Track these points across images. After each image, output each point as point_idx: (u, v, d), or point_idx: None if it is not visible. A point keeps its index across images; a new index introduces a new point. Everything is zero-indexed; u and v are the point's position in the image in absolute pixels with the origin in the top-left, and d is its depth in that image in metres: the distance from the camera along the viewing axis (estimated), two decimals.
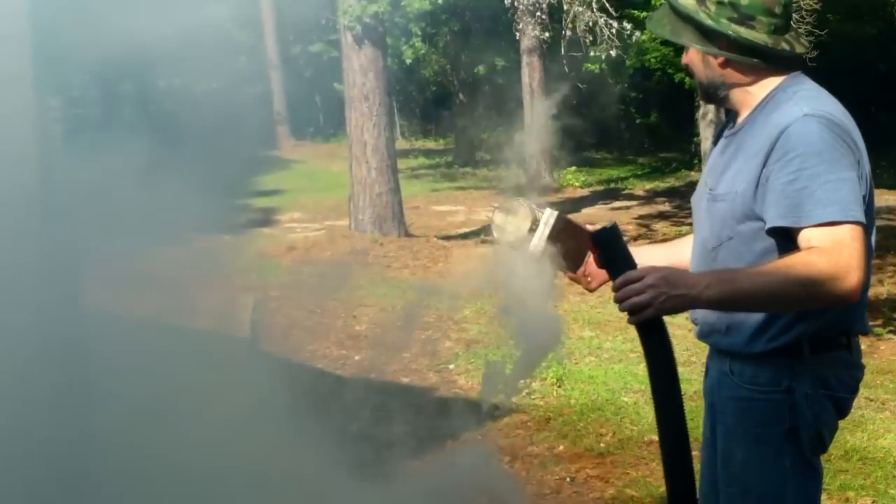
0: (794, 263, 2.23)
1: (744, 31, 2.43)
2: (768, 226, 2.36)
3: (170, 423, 4.66)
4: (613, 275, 2.30)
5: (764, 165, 2.36)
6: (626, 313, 2.31)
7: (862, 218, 2.29)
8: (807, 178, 2.28)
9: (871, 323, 8.62)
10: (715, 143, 2.72)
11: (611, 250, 2.32)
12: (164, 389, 5.02)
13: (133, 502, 3.88)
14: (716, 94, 2.57)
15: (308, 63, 32.88)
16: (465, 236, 14.34)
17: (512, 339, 2.80)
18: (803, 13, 8.71)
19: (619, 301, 2.27)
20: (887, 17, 10.66)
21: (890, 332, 8.77)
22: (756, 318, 2.44)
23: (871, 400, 6.33)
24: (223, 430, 4.74)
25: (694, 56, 2.55)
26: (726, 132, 2.63)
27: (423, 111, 35.66)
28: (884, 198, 15.76)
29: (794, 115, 2.37)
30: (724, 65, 2.51)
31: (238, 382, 5.55)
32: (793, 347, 2.42)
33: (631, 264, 2.31)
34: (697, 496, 2.46)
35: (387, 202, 13.21)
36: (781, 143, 2.34)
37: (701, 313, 2.58)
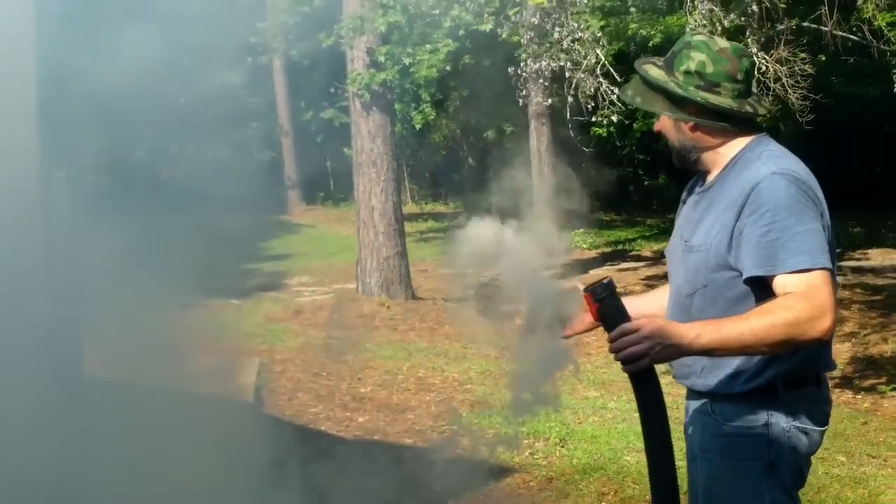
0: (776, 308, 2.39)
1: (711, 97, 2.60)
2: (745, 275, 2.52)
3: (171, 487, 4.70)
4: (609, 327, 2.43)
5: (737, 219, 2.53)
6: (620, 363, 2.45)
7: (829, 264, 2.47)
8: (778, 230, 2.45)
9: (876, 381, 8.69)
10: (685, 200, 2.86)
11: (607, 305, 2.45)
12: (166, 455, 5.07)
13: None
14: (687, 157, 2.73)
15: (319, 129, 33.21)
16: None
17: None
18: (798, 78, 8.81)
19: (615, 351, 2.41)
20: (890, 79, 10.95)
21: (893, 389, 8.76)
22: (732, 360, 2.59)
23: (874, 457, 6.32)
24: (224, 492, 4.78)
25: (666, 122, 2.71)
26: (698, 189, 2.79)
27: (433, 175, 35.87)
28: (889, 256, 15.78)
29: (763, 173, 2.54)
30: (694, 129, 2.67)
31: (241, 445, 5.59)
32: (769, 386, 2.59)
33: (626, 317, 2.44)
34: None
35: (394, 266, 13.30)
36: (753, 198, 2.51)
37: None
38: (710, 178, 2.72)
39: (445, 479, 5.89)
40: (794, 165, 2.60)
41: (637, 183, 29.22)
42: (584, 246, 21.45)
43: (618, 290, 2.47)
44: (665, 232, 23.19)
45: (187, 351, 9.19)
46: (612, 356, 2.67)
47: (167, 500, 4.59)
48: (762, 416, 2.60)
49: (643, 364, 2.40)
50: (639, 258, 19.39)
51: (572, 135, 14.67)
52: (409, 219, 21.42)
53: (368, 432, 6.97)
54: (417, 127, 25.71)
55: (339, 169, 34.03)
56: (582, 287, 2.69)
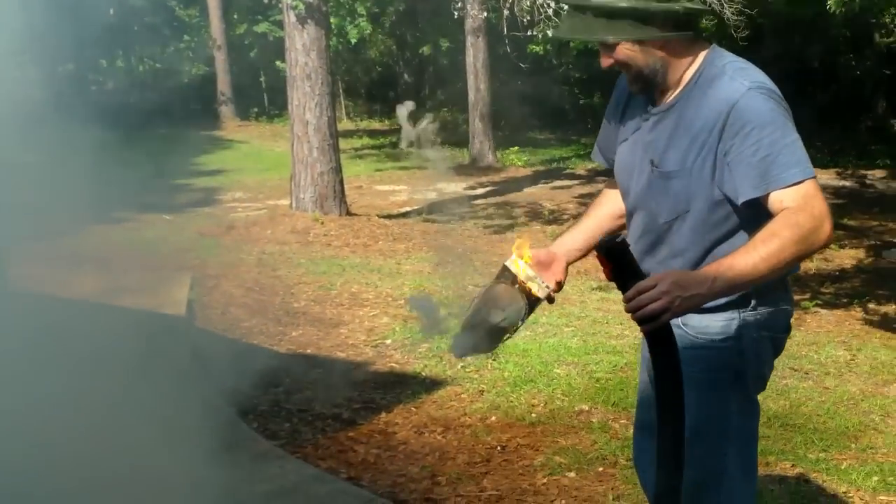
0: (779, 229, 2.36)
1: (685, 2, 2.49)
2: (742, 199, 2.47)
3: (101, 397, 4.68)
4: (625, 287, 2.34)
5: (720, 141, 2.48)
6: (638, 322, 2.35)
7: (813, 171, 2.46)
8: (766, 147, 2.42)
9: (799, 297, 8.90)
10: (620, 113, 2.81)
11: (622, 264, 2.37)
12: (98, 366, 5.05)
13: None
14: (654, 80, 2.60)
15: (253, 43, 32.64)
16: (406, 215, 14.40)
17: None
18: None
19: (633, 310, 2.31)
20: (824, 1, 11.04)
21: (816, 305, 9.00)
22: None
23: (796, 370, 6.51)
24: (155, 405, 4.79)
25: (628, 49, 2.55)
26: (653, 109, 2.67)
27: (369, 92, 35.56)
28: (819, 177, 16.05)
29: (739, 89, 2.48)
30: (662, 47, 2.55)
31: (173, 357, 5.59)
32: (742, 298, 2.57)
33: (641, 275, 2.37)
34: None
35: (328, 181, 13.21)
36: (733, 119, 2.45)
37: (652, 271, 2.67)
38: (669, 98, 2.63)
39: (377, 391, 5.97)
40: (762, 77, 2.54)
41: (572, 101, 29.23)
42: (519, 164, 21.50)
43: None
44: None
45: (118, 265, 9.11)
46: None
47: (98, 412, 4.58)
48: (733, 328, 2.60)
49: (665, 319, 2.30)
50: (573, 176, 19.49)
51: (509, 51, 14.60)
52: (344, 135, 21.28)
53: (301, 346, 6.98)
54: (353, 42, 25.37)
55: (273, 85, 33.63)
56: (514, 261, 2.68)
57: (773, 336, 2.67)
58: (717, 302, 2.51)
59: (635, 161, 2.71)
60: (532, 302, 2.69)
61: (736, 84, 2.49)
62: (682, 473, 2.46)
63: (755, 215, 2.46)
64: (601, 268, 2.41)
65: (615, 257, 2.37)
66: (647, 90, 2.65)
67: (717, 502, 2.70)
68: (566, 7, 2.65)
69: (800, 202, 2.38)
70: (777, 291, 2.64)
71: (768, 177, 2.41)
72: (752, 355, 2.64)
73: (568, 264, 2.83)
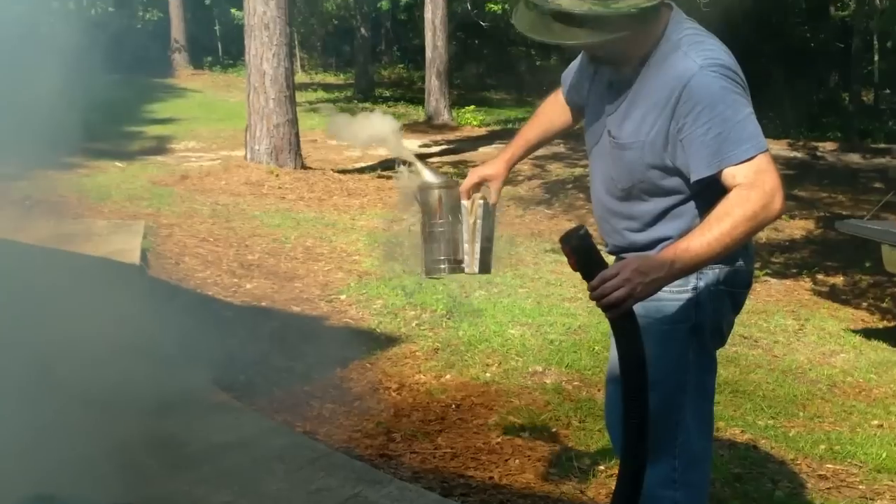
0: (731, 207, 2.41)
1: (640, 2, 2.45)
2: (695, 177, 2.51)
3: (58, 346, 4.63)
4: (589, 276, 2.42)
5: (671, 119, 2.52)
6: (603, 310, 2.43)
7: (766, 145, 2.49)
8: (718, 124, 2.45)
9: None
10: (591, 77, 2.83)
11: (586, 255, 2.43)
12: (51, 313, 4.98)
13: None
14: (615, 60, 2.64)
15: None
16: (361, 171, 14.33)
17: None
18: None
19: (598, 298, 2.39)
20: None
21: (766, 274, 9.12)
22: (665, 227, 2.65)
23: (745, 337, 6.61)
24: (111, 354, 4.74)
25: (587, 47, 2.61)
26: (613, 79, 2.70)
27: (325, 45, 35.21)
28: (771, 147, 16.18)
29: (691, 68, 2.50)
30: (623, 38, 2.51)
31: (127, 307, 5.53)
32: None
33: (604, 263, 2.44)
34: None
35: (284, 133, 13.10)
36: (685, 97, 2.48)
37: (613, 235, 2.78)
38: (628, 70, 2.63)
39: (332, 346, 5.96)
40: (717, 52, 2.55)
41: (529, 63, 29.20)
42: (475, 123, 21.47)
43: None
44: None
45: (69, 211, 8.99)
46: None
47: (50, 361, 4.53)
48: (692, 280, 2.65)
49: (628, 306, 2.39)
50: None
51: (469, 8, 14.54)
52: (300, 88, 21.04)
53: (256, 298, 6.95)
54: None
55: (227, 33, 33.17)
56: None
57: (731, 291, 2.72)
58: None
59: (597, 128, 2.78)
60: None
61: (689, 62, 2.51)
62: (645, 457, 2.51)
63: (707, 184, 2.52)
64: (565, 257, 2.47)
65: (579, 249, 2.43)
66: (614, 66, 2.68)
67: (672, 455, 2.76)
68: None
69: (751, 178, 2.43)
70: (737, 249, 2.68)
71: (720, 154, 2.45)
72: (710, 308, 2.69)
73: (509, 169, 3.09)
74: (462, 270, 2.92)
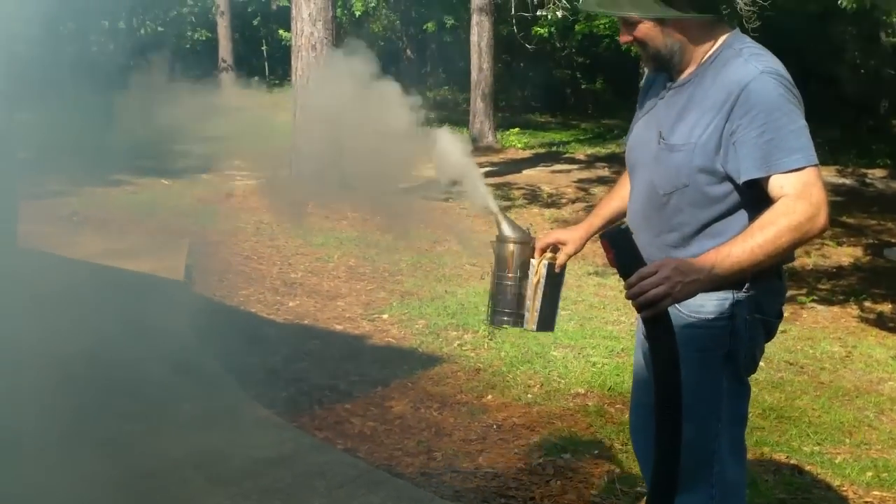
0: (776, 217, 2.42)
1: None
2: (743, 178, 2.51)
3: (100, 360, 4.69)
4: (627, 272, 2.41)
5: (727, 120, 2.51)
6: (638, 308, 2.43)
7: (816, 159, 2.49)
8: (772, 130, 2.46)
9: (795, 292, 8.93)
10: (645, 94, 2.84)
11: (624, 250, 2.44)
12: (98, 327, 5.05)
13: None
14: (671, 61, 2.65)
15: (256, 11, 32.50)
16: (405, 191, 14.36)
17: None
18: None
19: (634, 296, 2.39)
20: None
21: (813, 301, 9.01)
22: (707, 248, 2.57)
23: (791, 364, 6.52)
24: (155, 369, 4.79)
25: (649, 29, 2.61)
26: (670, 85, 2.72)
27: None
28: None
29: (751, 73, 2.52)
30: (682, 30, 2.60)
31: (171, 323, 5.59)
32: (739, 280, 2.58)
33: (642, 261, 2.43)
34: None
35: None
36: (743, 99, 2.49)
37: (649, 249, 2.69)
38: (684, 75, 2.67)
39: (374, 364, 5.98)
40: (776, 64, 2.58)
41: (574, 86, 29.19)
42: (519, 146, 21.45)
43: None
44: (599, 136, 23.31)
45: (117, 227, 9.09)
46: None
47: (95, 367, 4.59)
48: (727, 308, 2.63)
49: (665, 305, 2.39)
50: (572, 161, 19.45)
51: (515, 31, 14.58)
52: None
53: (299, 317, 6.98)
54: (357, 14, 25.28)
55: (274, 53, 33.49)
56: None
57: (764, 319, 2.70)
58: None
59: (646, 135, 2.76)
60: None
61: (749, 67, 2.53)
62: (679, 457, 2.48)
63: (753, 197, 2.52)
64: (604, 254, 2.47)
65: (618, 244, 2.43)
66: (662, 70, 2.71)
67: (709, 484, 2.72)
68: None
69: (799, 189, 2.43)
70: (771, 277, 2.68)
71: (771, 159, 2.45)
72: (745, 336, 2.66)
73: (586, 239, 3.05)
74: (516, 325, 2.96)
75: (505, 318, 2.95)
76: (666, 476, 2.52)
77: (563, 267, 2.96)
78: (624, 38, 2.67)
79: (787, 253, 2.50)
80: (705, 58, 2.63)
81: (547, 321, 2.94)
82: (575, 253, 3.01)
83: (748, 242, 2.41)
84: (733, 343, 2.66)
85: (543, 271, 2.90)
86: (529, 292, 2.91)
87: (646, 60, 2.72)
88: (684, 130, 2.61)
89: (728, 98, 2.51)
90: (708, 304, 2.63)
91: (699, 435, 2.66)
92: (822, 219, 2.44)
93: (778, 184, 2.46)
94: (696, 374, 2.61)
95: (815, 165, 2.48)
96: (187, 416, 4.37)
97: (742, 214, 2.58)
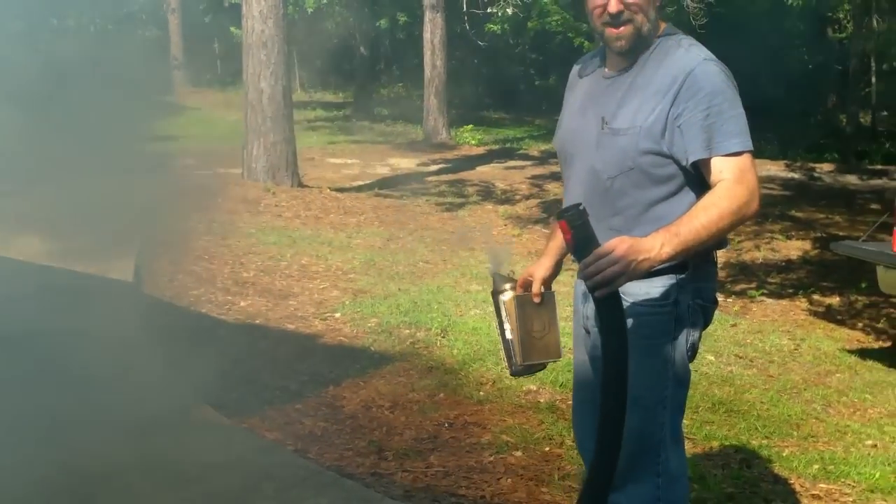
0: (718, 199, 2.54)
1: None
2: (691, 160, 2.61)
3: (51, 361, 4.62)
4: (584, 253, 2.44)
5: (672, 104, 2.61)
6: (592, 288, 2.45)
7: (752, 146, 2.62)
8: (715, 114, 2.59)
9: (745, 286, 9.01)
10: (572, 91, 2.98)
11: (583, 230, 2.46)
12: (41, 329, 4.98)
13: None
14: (641, 47, 2.72)
15: (208, 8, 32.22)
16: (358, 189, 14.33)
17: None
18: None
19: (590, 276, 2.41)
20: None
21: (762, 294, 9.11)
22: (651, 232, 2.61)
23: (740, 357, 6.58)
24: (101, 371, 4.72)
25: (644, 3, 2.67)
26: (609, 73, 2.80)
27: (324, 63, 35.26)
28: (766, 167, 16.20)
29: (695, 60, 2.64)
30: (659, 8, 2.72)
31: (119, 324, 5.51)
32: (681, 265, 2.67)
33: (597, 242, 2.46)
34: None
35: (281, 152, 13.11)
36: (689, 84, 2.60)
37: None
38: (625, 64, 2.74)
39: (325, 364, 5.94)
40: (713, 56, 2.70)
41: (527, 82, 29.26)
42: (473, 142, 21.48)
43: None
44: (553, 133, 23.32)
45: (64, 227, 8.96)
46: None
47: (39, 370, 4.52)
48: (671, 294, 2.69)
49: (619, 284, 2.43)
50: (526, 157, 19.52)
51: (468, 28, 14.57)
52: (298, 106, 21.07)
53: (250, 316, 6.93)
54: (310, 10, 25.17)
55: (226, 52, 33.22)
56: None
57: (703, 305, 2.78)
58: (659, 266, 2.59)
59: (583, 123, 2.81)
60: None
61: (692, 55, 2.66)
62: (619, 446, 2.51)
63: (694, 177, 2.63)
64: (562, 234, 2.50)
65: (576, 224, 2.45)
66: (630, 50, 2.72)
67: (655, 473, 2.75)
68: None
69: (737, 174, 2.56)
70: (707, 264, 2.78)
71: (713, 142, 2.57)
72: (688, 322, 2.73)
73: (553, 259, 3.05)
74: (530, 369, 2.93)
75: (511, 368, 2.93)
76: (606, 465, 2.53)
77: (549, 293, 2.89)
78: (615, 6, 2.64)
79: (726, 234, 2.62)
80: (649, 47, 2.73)
81: (529, 352, 2.84)
82: (548, 275, 2.97)
83: (693, 223, 2.51)
84: (678, 329, 2.72)
85: (513, 307, 2.84)
86: (508, 332, 2.89)
87: (621, 37, 2.68)
88: (628, 115, 2.68)
89: (673, 83, 2.62)
90: (654, 290, 2.70)
91: (646, 423, 2.71)
92: (755, 203, 2.59)
93: (718, 167, 2.58)
94: (644, 362, 2.65)
95: (751, 151, 2.61)
96: (133, 418, 4.31)
97: (684, 196, 2.67)
